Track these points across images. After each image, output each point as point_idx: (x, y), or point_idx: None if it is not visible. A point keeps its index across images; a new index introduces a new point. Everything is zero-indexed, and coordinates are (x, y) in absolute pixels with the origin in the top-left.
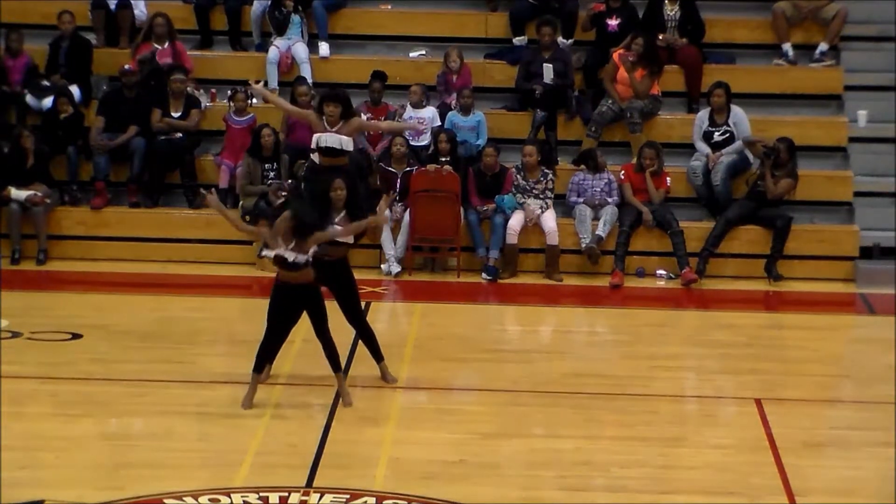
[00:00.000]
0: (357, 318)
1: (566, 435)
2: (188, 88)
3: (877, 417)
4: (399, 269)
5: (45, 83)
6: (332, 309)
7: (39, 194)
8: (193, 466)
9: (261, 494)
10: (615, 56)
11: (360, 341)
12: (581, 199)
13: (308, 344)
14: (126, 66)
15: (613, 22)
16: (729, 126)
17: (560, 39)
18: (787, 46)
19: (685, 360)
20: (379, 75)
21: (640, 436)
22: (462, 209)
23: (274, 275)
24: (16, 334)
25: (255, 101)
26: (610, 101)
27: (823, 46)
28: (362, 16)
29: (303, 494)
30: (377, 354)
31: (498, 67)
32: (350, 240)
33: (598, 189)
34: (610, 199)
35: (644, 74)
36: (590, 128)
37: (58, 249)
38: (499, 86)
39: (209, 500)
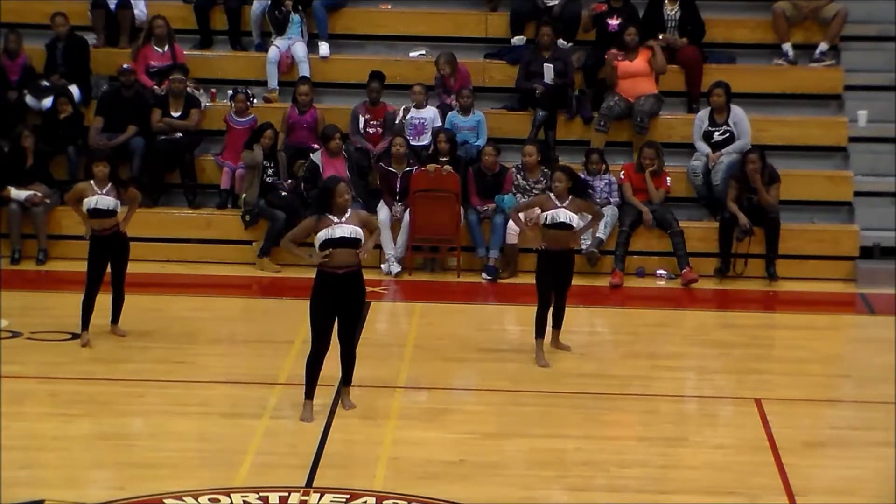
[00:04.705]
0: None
1: (566, 435)
2: (188, 88)
3: (877, 417)
4: (399, 269)
5: (45, 83)
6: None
7: (39, 194)
8: (193, 466)
9: (261, 494)
10: (611, 55)
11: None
12: None
13: (308, 345)
14: (124, 66)
15: (614, 22)
16: (729, 126)
17: (560, 41)
18: (787, 46)
19: (685, 360)
20: (377, 75)
21: (640, 436)
22: (462, 209)
23: (273, 274)
24: (16, 334)
25: (255, 101)
26: (617, 97)
27: (823, 46)
28: (362, 15)
29: (303, 494)
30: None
31: (498, 67)
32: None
33: (599, 189)
34: (612, 200)
35: (650, 55)
36: (598, 122)
37: (58, 249)
38: (499, 86)
39: (209, 500)
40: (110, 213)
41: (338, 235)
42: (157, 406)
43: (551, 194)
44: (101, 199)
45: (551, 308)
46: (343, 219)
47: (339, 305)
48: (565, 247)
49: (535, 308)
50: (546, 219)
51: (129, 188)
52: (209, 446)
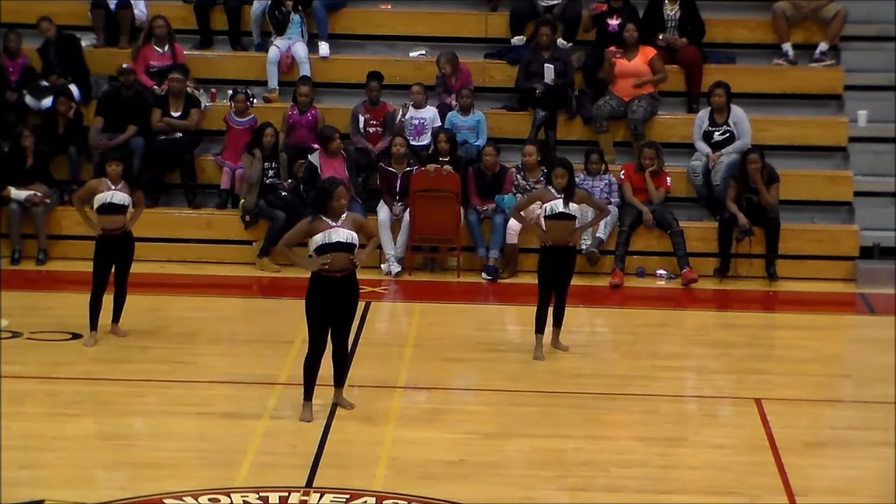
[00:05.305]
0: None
1: (566, 435)
2: (188, 88)
3: (877, 417)
4: (399, 269)
5: (45, 83)
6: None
7: (39, 194)
8: (193, 466)
9: (261, 494)
10: (609, 53)
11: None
12: None
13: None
14: (123, 66)
15: (614, 22)
16: (729, 126)
17: (560, 41)
18: (787, 46)
19: (685, 360)
20: (375, 75)
21: (640, 436)
22: (462, 209)
23: (273, 274)
24: (16, 334)
25: (255, 101)
26: (608, 96)
27: (823, 46)
28: (362, 15)
29: (303, 494)
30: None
31: (498, 67)
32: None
33: (599, 190)
34: (612, 200)
35: (653, 56)
36: (594, 123)
37: (58, 249)
38: (499, 86)
39: (209, 500)
40: (123, 209)
41: (334, 240)
42: (157, 406)
43: (551, 188)
44: (115, 193)
45: (552, 305)
46: (339, 222)
47: (335, 307)
48: (566, 243)
49: (535, 306)
50: (546, 210)
51: (138, 191)
52: (209, 446)
